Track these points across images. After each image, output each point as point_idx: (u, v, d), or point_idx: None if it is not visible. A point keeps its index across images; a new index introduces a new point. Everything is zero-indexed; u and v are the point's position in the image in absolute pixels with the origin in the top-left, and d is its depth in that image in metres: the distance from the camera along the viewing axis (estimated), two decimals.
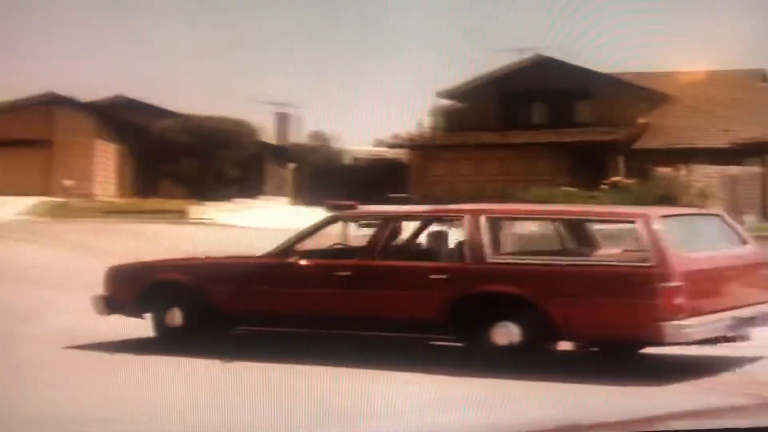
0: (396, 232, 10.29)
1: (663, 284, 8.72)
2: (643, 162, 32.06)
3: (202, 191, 34.55)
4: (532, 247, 10.29)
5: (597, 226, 10.57)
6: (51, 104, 39.56)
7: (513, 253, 9.85)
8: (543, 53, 36.91)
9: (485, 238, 9.47)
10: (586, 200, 24.20)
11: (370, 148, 47.26)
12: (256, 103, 46.65)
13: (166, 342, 10.19)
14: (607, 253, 9.65)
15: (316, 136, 56.95)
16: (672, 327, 8.63)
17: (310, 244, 10.33)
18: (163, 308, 10.41)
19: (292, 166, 44.54)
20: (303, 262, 10.08)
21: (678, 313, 8.71)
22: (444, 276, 9.49)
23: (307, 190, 36.37)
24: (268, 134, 45.17)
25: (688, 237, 9.68)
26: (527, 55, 37.33)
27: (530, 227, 11.04)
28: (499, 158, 37.11)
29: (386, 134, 48.33)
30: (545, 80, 36.45)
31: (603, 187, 28.67)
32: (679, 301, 8.71)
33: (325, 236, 10.54)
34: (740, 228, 10.73)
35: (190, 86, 35.79)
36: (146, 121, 40.07)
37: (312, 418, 7.24)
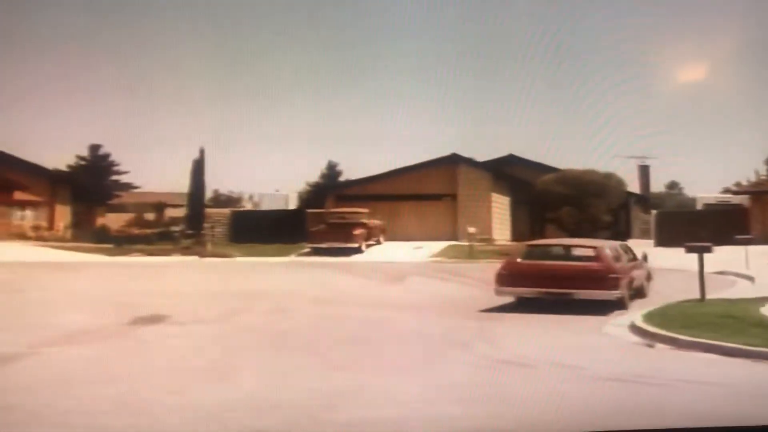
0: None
1: (498, 272, 18.80)
2: None
3: (580, 235, 34.72)
4: None
5: None
6: (455, 164, 43.51)
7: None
8: None
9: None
10: None
11: (718, 195, 48.09)
12: (622, 157, 48.57)
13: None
14: None
15: (672, 185, 59.00)
16: (497, 289, 18.62)
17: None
18: None
19: (653, 212, 44.88)
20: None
21: (504, 284, 18.58)
22: None
23: (666, 233, 37.20)
24: (633, 184, 46.39)
25: (550, 253, 19.85)
26: None
27: None
28: None
29: (730, 182, 49.98)
30: None
31: None
32: (502, 279, 18.61)
33: None
34: (606, 251, 19.11)
35: (567, 144, 38.37)
36: (531, 176, 42.84)
37: None
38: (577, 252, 19.69)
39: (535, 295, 18.12)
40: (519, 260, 19.19)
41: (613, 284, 17.94)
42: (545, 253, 19.90)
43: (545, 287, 18.06)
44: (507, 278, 18.51)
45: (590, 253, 18.99)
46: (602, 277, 17.95)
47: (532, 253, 19.79)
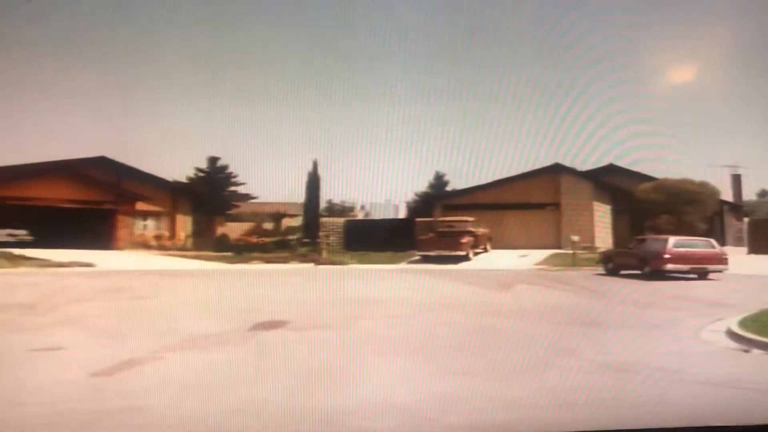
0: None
1: (662, 255, 29.20)
2: None
3: None
4: None
5: None
6: (557, 173, 43.05)
7: None
8: None
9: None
10: None
11: None
12: (717, 166, 47.72)
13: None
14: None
15: (763, 193, 58.11)
16: (664, 267, 28.99)
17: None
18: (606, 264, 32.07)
19: (746, 219, 44.53)
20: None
21: (667, 263, 28.99)
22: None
23: (758, 241, 37.12)
24: (726, 193, 45.68)
25: (686, 244, 30.12)
26: None
27: None
28: None
29: None
30: None
31: None
32: (666, 260, 29.09)
33: None
34: (714, 243, 31.04)
35: (663, 154, 37.46)
36: (630, 185, 42.07)
37: None
38: (700, 243, 30.56)
39: (685, 269, 28.83)
40: (672, 248, 29.25)
41: (726, 261, 29.39)
42: (685, 244, 30.12)
43: (690, 264, 28.98)
44: (669, 260, 28.90)
45: (709, 244, 30.45)
46: (721, 258, 29.48)
47: (678, 244, 29.82)
